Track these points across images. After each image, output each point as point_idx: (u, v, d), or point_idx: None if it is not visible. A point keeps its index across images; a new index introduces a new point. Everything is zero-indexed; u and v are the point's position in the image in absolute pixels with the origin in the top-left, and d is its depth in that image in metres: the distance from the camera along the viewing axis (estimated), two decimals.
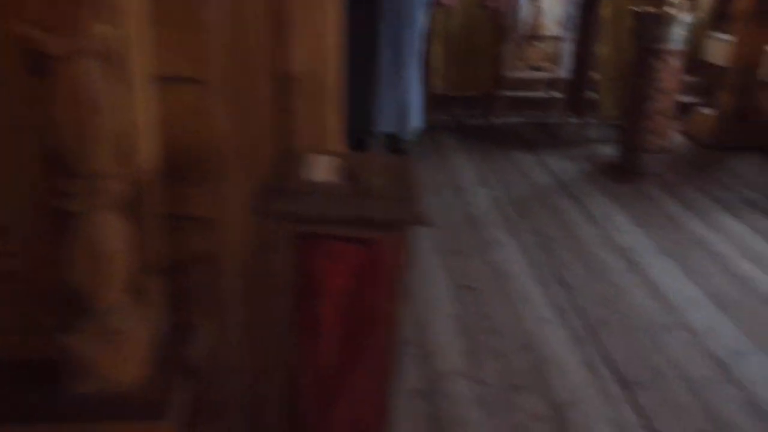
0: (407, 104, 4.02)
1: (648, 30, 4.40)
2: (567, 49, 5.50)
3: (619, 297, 3.06)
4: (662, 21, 4.33)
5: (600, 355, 2.62)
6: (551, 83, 5.73)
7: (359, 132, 4.20)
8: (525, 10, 5.66)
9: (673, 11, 4.35)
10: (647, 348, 2.68)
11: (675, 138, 5.38)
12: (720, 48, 5.95)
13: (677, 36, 4.36)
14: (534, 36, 6.03)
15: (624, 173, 4.61)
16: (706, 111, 5.53)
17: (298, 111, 1.40)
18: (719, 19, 6.34)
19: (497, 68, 5.59)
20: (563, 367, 2.54)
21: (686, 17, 4.34)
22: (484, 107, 5.73)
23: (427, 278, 3.14)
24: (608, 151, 4.98)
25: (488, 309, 2.91)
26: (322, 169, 1.20)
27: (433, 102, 5.22)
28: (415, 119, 4.10)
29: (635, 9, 4.54)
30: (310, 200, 1.08)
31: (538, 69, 6.13)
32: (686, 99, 6.12)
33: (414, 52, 4.01)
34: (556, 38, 5.71)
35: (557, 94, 5.78)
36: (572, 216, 3.95)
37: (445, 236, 3.61)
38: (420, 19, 3.93)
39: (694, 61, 6.43)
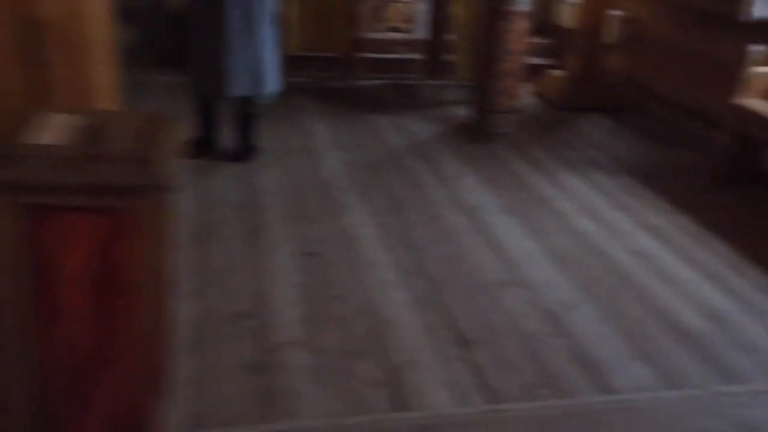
0: (261, 66, 3.85)
1: None
2: (423, 10, 5.47)
3: (462, 257, 3.09)
4: None
5: (440, 315, 2.64)
6: (410, 45, 5.70)
7: (209, 95, 3.99)
8: None
9: None
10: (486, 306, 2.73)
11: (526, 99, 5.54)
12: (568, 12, 6.15)
13: None
14: None
15: (476, 134, 4.68)
16: (556, 73, 5.72)
17: (53, 64, 1.23)
18: None
19: (354, 29, 5.49)
20: (403, 330, 2.53)
21: None
22: (343, 69, 5.63)
23: (270, 246, 3.04)
24: (463, 113, 5.04)
25: (332, 275, 2.86)
26: (56, 130, 1.06)
27: (291, 64, 5.05)
28: (272, 82, 3.94)
29: None
30: (34, 166, 0.93)
31: (397, 30, 6.09)
32: (538, 61, 6.31)
33: (266, 10, 3.83)
34: None
35: (416, 56, 5.77)
36: (424, 178, 3.96)
37: (292, 202, 3.51)
38: None
39: (546, 24, 6.63)
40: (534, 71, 6.07)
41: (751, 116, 3.84)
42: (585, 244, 3.30)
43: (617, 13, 5.69)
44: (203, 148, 4.05)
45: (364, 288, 2.79)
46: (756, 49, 3.88)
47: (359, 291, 2.76)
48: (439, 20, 5.53)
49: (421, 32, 5.60)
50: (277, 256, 2.97)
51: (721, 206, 3.83)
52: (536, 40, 6.54)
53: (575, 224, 3.50)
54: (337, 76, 5.65)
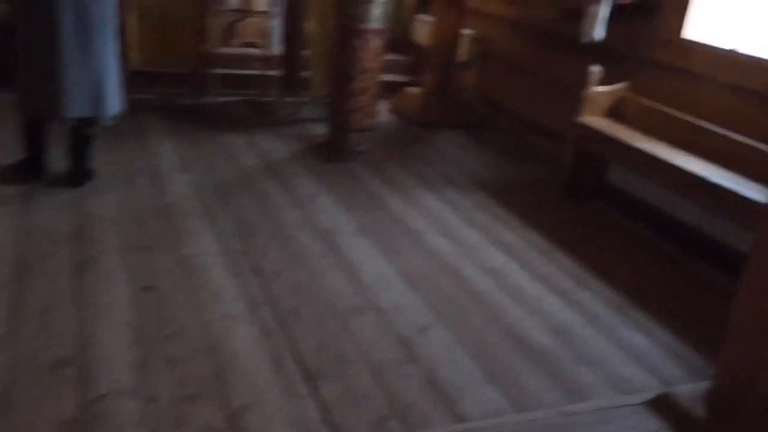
0: (103, 84, 3.52)
1: (348, 8, 4.38)
2: (277, 25, 5.33)
3: (314, 283, 2.97)
4: (361, 0, 4.34)
5: (289, 349, 2.49)
6: (265, 60, 5.53)
7: (41, 116, 3.61)
8: None
9: None
10: (337, 335, 2.61)
11: (384, 116, 5.53)
12: (423, 30, 6.23)
13: (376, 15, 4.40)
14: (244, 11, 5.78)
15: (332, 153, 4.59)
16: (413, 90, 5.75)
17: None
18: (424, 2, 6.64)
19: (203, 44, 5.25)
20: (247, 367, 2.36)
21: None
22: (193, 86, 5.36)
23: (100, 281, 2.77)
24: (320, 130, 4.93)
25: (170, 311, 2.64)
26: None
27: (135, 80, 4.74)
28: (114, 102, 3.61)
29: None
30: None
31: (251, 45, 5.91)
32: (395, 78, 6.34)
33: (107, 19, 3.51)
34: (266, 14, 5.52)
35: (272, 72, 5.61)
36: (277, 199, 3.80)
37: (131, 231, 3.24)
38: None
39: (403, 41, 6.69)
40: (391, 88, 6.09)
41: (591, 133, 4.00)
42: (439, 264, 3.27)
43: (468, 31, 5.82)
44: (31, 172, 3.66)
45: (206, 323, 2.59)
46: (595, 69, 4.06)
47: (200, 327, 2.56)
48: (294, 36, 5.41)
49: (276, 48, 5.45)
50: (107, 291, 2.71)
51: (567, 220, 3.96)
52: (393, 57, 6.61)
53: (430, 243, 3.48)
54: (186, 93, 5.38)
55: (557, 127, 4.84)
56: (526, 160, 4.95)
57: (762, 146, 3.37)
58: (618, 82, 4.24)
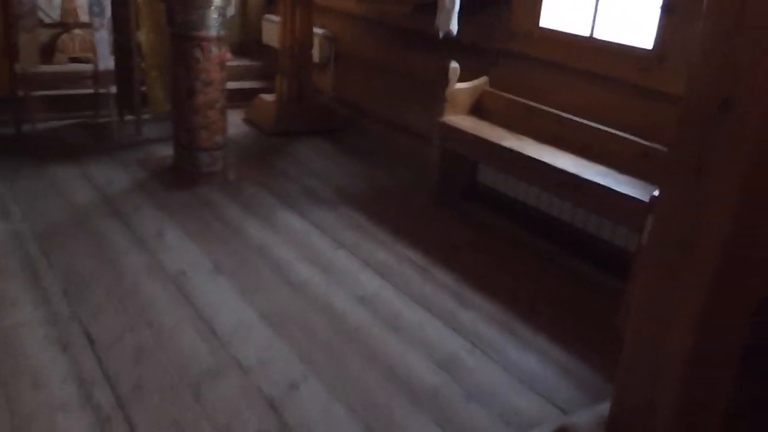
0: None
1: (180, 16, 3.92)
2: (105, 36, 4.74)
3: (160, 344, 2.53)
4: (193, 5, 3.88)
5: None
6: (96, 77, 4.92)
7: None
8: None
9: None
10: (189, 410, 2.21)
11: (237, 129, 5.09)
12: (273, 30, 5.83)
13: (213, 21, 3.96)
14: (65, 23, 5.14)
15: (180, 177, 4.11)
16: (267, 97, 5.35)
17: None
18: (271, 0, 6.23)
19: (18, 63, 4.58)
20: None
21: (219, 0, 3.95)
22: (9, 111, 4.66)
23: None
24: (166, 152, 4.43)
25: None
26: None
27: None
28: None
29: None
30: None
31: (78, 61, 5.27)
32: (248, 85, 5.92)
33: None
34: (91, 25, 4.90)
35: (107, 89, 5.01)
36: (116, 242, 3.30)
37: None
38: None
39: (255, 44, 6.25)
40: (245, 96, 5.67)
41: (455, 133, 3.79)
42: (307, 299, 2.93)
43: (320, 31, 5.48)
44: None
45: (20, 420, 2.10)
46: (454, 65, 3.85)
47: (19, 428, 2.08)
48: (127, 48, 4.84)
49: (106, 62, 4.85)
50: None
51: (441, 228, 3.74)
52: (244, 62, 6.17)
53: (296, 275, 3.12)
54: (4, 120, 4.67)
55: (422, 126, 4.62)
56: (393, 163, 4.70)
57: (627, 136, 3.28)
58: (479, 76, 4.06)
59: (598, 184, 3.08)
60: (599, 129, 3.37)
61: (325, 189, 4.16)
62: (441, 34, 4.00)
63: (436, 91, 3.96)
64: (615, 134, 3.31)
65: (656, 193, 2.22)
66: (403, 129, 4.91)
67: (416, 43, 4.68)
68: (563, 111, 3.60)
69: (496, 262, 3.38)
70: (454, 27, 3.97)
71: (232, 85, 5.76)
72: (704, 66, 1.59)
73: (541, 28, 3.84)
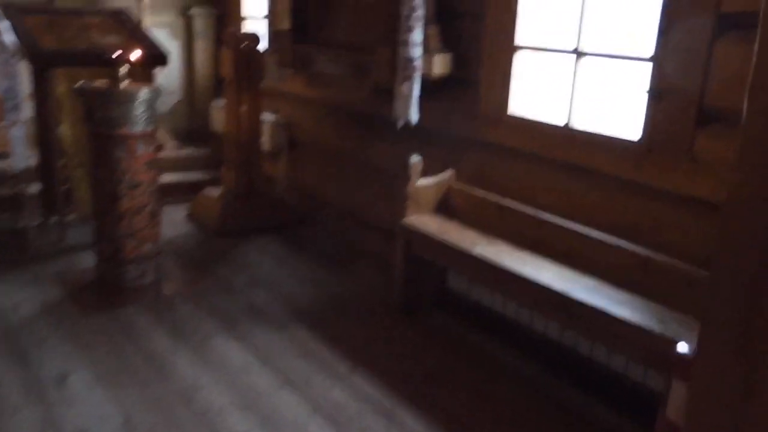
0: None
1: (99, 111, 3.41)
2: (22, 131, 4.20)
3: None
4: (114, 99, 3.38)
5: None
6: (13, 176, 4.35)
7: None
8: None
9: (129, 86, 3.44)
10: None
11: (179, 228, 4.54)
12: (221, 117, 5.37)
13: (139, 116, 3.45)
14: None
15: (102, 295, 3.53)
16: (213, 191, 4.82)
17: None
18: (220, 84, 5.79)
19: None
20: None
21: (145, 93, 3.45)
22: None
23: None
24: (90, 262, 3.83)
25: None
26: None
27: None
28: None
29: (81, 85, 3.49)
30: None
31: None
32: (196, 176, 5.41)
33: None
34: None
35: (26, 189, 4.44)
36: (6, 392, 2.68)
37: None
38: None
39: (203, 131, 5.78)
40: (192, 189, 5.14)
41: (420, 237, 3.28)
42: None
43: (271, 117, 5.02)
44: None
45: None
46: (415, 159, 3.37)
47: None
48: (47, 144, 4.30)
49: (27, 160, 4.30)
50: None
51: (409, 351, 3.17)
52: (190, 151, 5.68)
53: (226, 430, 2.52)
54: None
55: (386, 221, 4.11)
56: (354, 265, 4.15)
57: (621, 242, 2.79)
58: (445, 168, 3.58)
59: (590, 306, 2.56)
60: (587, 235, 2.87)
61: (274, 303, 3.58)
62: (399, 124, 3.54)
63: (398, 185, 3.47)
64: (606, 241, 2.82)
65: (683, 347, 1.71)
66: (365, 224, 4.40)
67: (376, 130, 4.22)
68: (542, 210, 3.12)
69: (475, 397, 2.81)
70: (413, 116, 3.52)
71: (177, 177, 5.28)
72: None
73: (512, 116, 3.40)
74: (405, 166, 3.35)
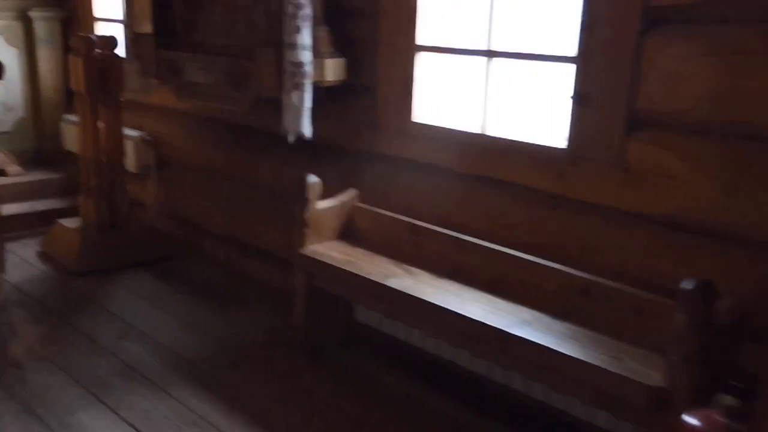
0: None
1: None
2: None
3: None
4: None
5: None
6: None
7: None
8: None
9: None
10: None
11: (30, 270, 3.83)
12: (74, 135, 4.67)
13: None
14: None
15: None
16: (70, 223, 4.12)
17: None
18: (71, 96, 5.05)
19: None
20: None
21: None
22: None
23: None
24: None
25: None
26: None
27: None
28: None
29: None
30: None
31: None
32: (49, 205, 4.67)
33: None
34: None
35: None
36: None
37: None
38: None
39: (54, 152, 5.02)
40: (44, 220, 4.41)
41: (322, 268, 2.84)
42: None
43: (135, 133, 4.39)
44: None
45: None
46: (312, 180, 2.92)
47: None
48: None
49: None
50: None
51: (319, 403, 2.71)
52: (40, 176, 4.91)
53: None
54: None
55: (280, 248, 3.65)
56: (246, 301, 3.64)
57: (554, 265, 2.48)
58: (344, 189, 3.16)
59: (530, 342, 2.23)
60: (516, 257, 2.55)
61: (152, 359, 3.00)
62: (291, 138, 3.08)
63: (291, 213, 3.01)
64: (536, 263, 2.50)
65: (691, 419, 1.38)
66: (255, 251, 3.89)
67: (261, 145, 3.73)
68: (461, 231, 2.78)
69: None
70: (306, 129, 3.07)
71: (24, 207, 4.53)
72: None
73: (416, 124, 3.03)
74: (300, 187, 2.89)
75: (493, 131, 2.79)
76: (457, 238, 2.70)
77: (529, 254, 2.55)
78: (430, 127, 2.99)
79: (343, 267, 2.74)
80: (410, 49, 3.00)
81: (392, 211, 3.03)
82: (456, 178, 2.90)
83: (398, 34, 3.02)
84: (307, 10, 2.96)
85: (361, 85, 3.21)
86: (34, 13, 4.82)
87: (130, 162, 4.27)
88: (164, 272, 3.93)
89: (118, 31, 4.60)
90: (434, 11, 2.96)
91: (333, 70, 3.15)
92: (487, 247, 2.62)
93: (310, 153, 3.35)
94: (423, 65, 3.01)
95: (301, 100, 3.02)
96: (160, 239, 4.19)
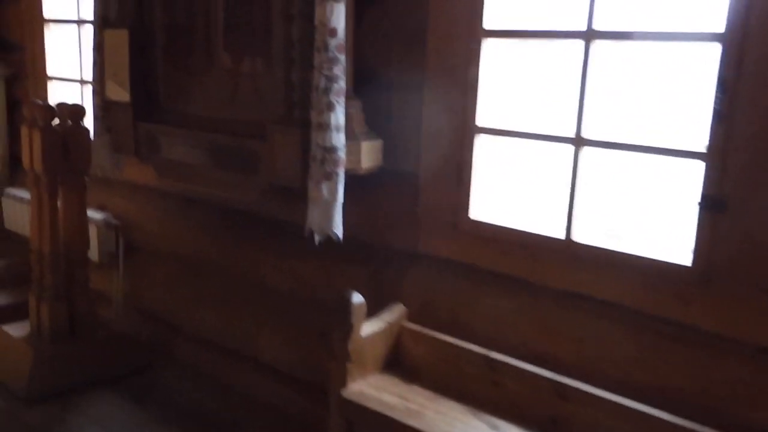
0: None
1: None
2: None
3: None
4: None
5: None
6: None
7: None
8: None
9: None
10: None
11: None
12: (22, 212, 3.93)
13: None
14: None
15: None
16: (15, 331, 3.32)
17: None
18: (13, 165, 4.29)
19: None
20: None
21: None
22: None
23: None
24: None
25: None
26: None
27: None
28: None
29: None
30: None
31: None
32: None
33: None
34: None
35: None
36: None
37: None
38: None
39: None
40: None
41: (371, 417, 2.18)
42: None
43: (97, 214, 3.66)
44: None
45: None
46: (358, 300, 2.28)
47: None
48: None
49: None
50: None
51: None
52: None
53: None
54: None
55: (283, 362, 2.98)
56: (240, 425, 2.93)
57: (683, 423, 1.91)
58: (376, 295, 2.54)
59: None
60: (643, 413, 1.96)
61: None
62: (318, 239, 2.45)
63: (326, 339, 2.36)
64: (675, 424, 1.92)
65: None
66: (249, 361, 3.19)
67: (265, 234, 3.08)
68: (541, 361, 2.19)
69: None
70: (338, 228, 2.44)
71: None
72: None
73: (473, 221, 2.46)
74: (342, 309, 2.25)
75: (582, 236, 2.24)
76: (554, 381, 2.10)
77: (645, 402, 1.98)
78: (494, 226, 2.41)
79: (403, 420, 2.09)
80: (467, 129, 2.44)
81: (442, 331, 2.43)
82: (531, 293, 2.32)
83: (451, 112, 2.46)
84: (342, 83, 2.37)
85: (397, 170, 2.62)
86: None
87: (92, 249, 3.52)
88: (137, 390, 3.18)
89: (74, 93, 3.93)
90: (499, 85, 2.42)
91: (370, 154, 2.55)
92: (596, 395, 2.03)
93: (332, 250, 2.72)
94: (483, 149, 2.45)
95: (334, 192, 2.40)
96: (130, 347, 3.43)
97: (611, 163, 2.21)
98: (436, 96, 2.49)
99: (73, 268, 3.26)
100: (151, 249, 3.61)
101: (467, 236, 2.47)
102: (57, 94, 3.98)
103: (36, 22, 3.99)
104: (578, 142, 2.20)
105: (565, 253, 2.25)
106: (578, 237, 2.24)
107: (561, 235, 2.26)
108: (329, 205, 2.42)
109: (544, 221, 2.34)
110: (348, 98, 2.45)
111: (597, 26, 2.12)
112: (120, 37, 2.98)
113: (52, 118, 3.06)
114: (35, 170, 3.11)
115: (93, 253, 3.55)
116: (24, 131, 3.12)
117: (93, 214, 3.60)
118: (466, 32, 2.38)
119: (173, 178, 3.04)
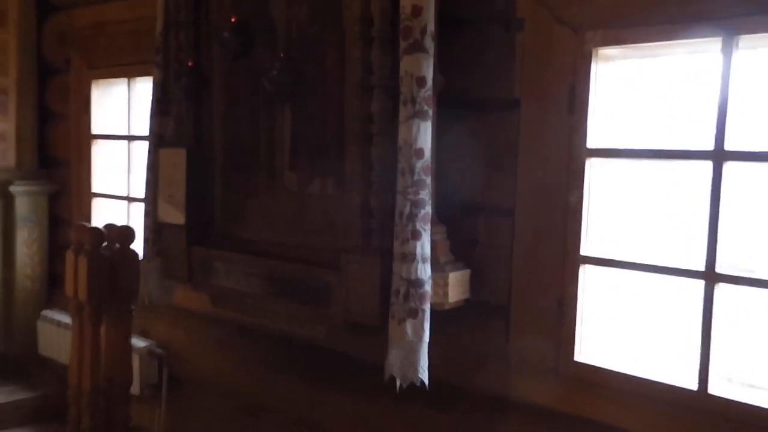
0: None
1: None
2: None
3: None
4: None
5: None
6: None
7: None
8: None
9: None
10: None
11: None
12: (60, 337, 3.66)
13: None
14: None
15: None
16: None
17: None
18: (52, 286, 4.06)
19: None
20: None
21: None
22: None
23: None
24: None
25: None
26: None
27: None
28: None
29: None
30: None
31: None
32: None
33: None
34: None
35: None
36: None
37: None
38: None
39: (23, 359, 3.92)
40: None
41: None
42: None
43: (142, 342, 3.38)
44: None
45: None
46: None
47: None
48: None
49: None
50: None
51: None
52: (8, 392, 3.79)
53: None
54: None
55: None
56: None
57: None
58: None
59: None
60: None
61: None
62: (401, 384, 2.12)
63: None
64: None
65: None
66: None
67: (334, 373, 2.75)
68: None
69: None
70: (423, 373, 2.12)
71: None
72: None
73: (580, 365, 2.12)
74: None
75: (721, 389, 1.89)
76: None
77: None
78: (607, 371, 2.08)
79: None
80: (570, 259, 2.15)
81: None
82: None
83: (550, 239, 2.19)
84: (428, 208, 2.12)
85: (483, 302, 2.32)
86: (15, 188, 3.90)
87: (136, 380, 3.21)
88: None
89: (120, 210, 3.74)
90: (607, 209, 2.15)
91: (457, 286, 2.25)
92: None
93: (415, 396, 2.37)
94: (589, 280, 2.15)
95: (419, 332, 2.10)
96: None
97: (752, 300, 1.89)
98: (531, 221, 2.22)
99: (113, 406, 2.93)
100: (198, 382, 3.29)
101: (572, 382, 2.14)
102: (102, 211, 3.80)
103: (83, 139, 3.87)
104: (711, 278, 1.90)
105: (700, 409, 1.89)
106: (715, 389, 1.89)
107: (692, 384, 1.92)
108: (413, 347, 2.11)
109: (667, 367, 2.00)
110: (432, 224, 2.19)
111: (729, 146, 1.87)
112: (177, 157, 2.79)
113: (101, 243, 2.83)
114: (78, 300, 2.85)
115: (134, 386, 3.24)
116: (69, 257, 2.88)
117: (135, 341, 3.32)
118: (566, 152, 2.14)
119: (231, 309, 2.76)
